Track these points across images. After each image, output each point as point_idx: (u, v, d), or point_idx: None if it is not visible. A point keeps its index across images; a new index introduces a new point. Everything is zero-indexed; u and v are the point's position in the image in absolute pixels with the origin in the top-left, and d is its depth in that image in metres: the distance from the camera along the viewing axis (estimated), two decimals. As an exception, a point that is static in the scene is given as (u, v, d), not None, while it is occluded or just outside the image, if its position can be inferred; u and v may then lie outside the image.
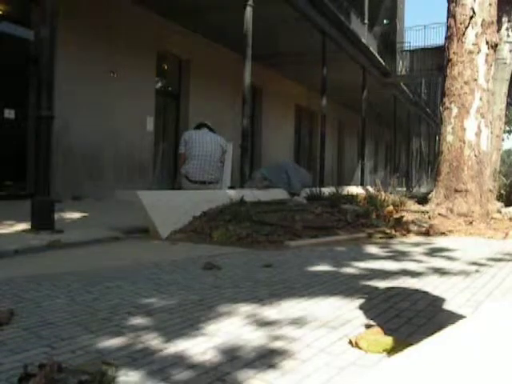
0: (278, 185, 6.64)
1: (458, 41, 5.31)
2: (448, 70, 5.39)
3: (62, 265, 2.91)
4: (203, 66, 11.02)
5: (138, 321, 1.69)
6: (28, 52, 7.43)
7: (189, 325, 1.64)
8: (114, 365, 1.27)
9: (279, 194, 6.32)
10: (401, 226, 4.54)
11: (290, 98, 15.53)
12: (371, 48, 14.17)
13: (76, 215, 5.45)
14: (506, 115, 8.39)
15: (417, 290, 2.18)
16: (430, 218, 4.89)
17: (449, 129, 5.30)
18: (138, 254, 3.40)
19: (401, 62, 18.67)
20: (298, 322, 1.68)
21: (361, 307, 1.88)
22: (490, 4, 5.35)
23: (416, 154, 25.26)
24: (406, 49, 19.56)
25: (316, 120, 16.03)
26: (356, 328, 1.61)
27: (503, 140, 11.28)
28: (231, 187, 7.37)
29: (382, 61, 15.21)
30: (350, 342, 1.45)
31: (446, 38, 5.56)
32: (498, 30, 6.19)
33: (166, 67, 10.93)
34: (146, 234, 4.16)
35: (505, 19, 7.28)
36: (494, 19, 5.42)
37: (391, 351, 1.37)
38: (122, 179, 8.67)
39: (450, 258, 3.10)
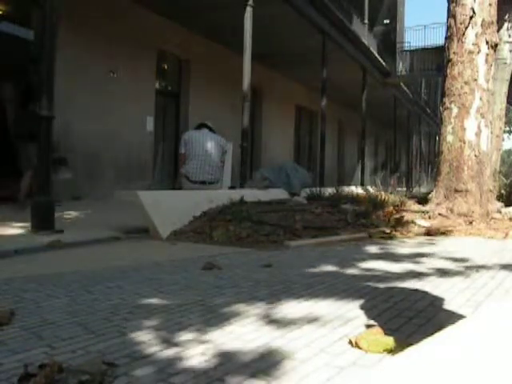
0: (278, 185, 6.65)
1: (458, 41, 5.31)
2: (448, 70, 5.38)
3: (62, 265, 2.91)
4: (203, 65, 11.02)
5: (138, 321, 1.69)
6: (28, 52, 7.43)
7: (189, 325, 1.64)
8: (114, 365, 1.27)
9: (279, 193, 6.32)
10: (401, 226, 4.54)
11: (290, 97, 15.53)
12: (371, 48, 14.18)
13: (76, 215, 5.45)
14: (505, 115, 8.39)
15: (417, 290, 2.18)
16: (430, 217, 4.89)
17: (449, 129, 5.30)
18: (138, 254, 3.40)
19: (401, 62, 18.67)
20: (297, 321, 1.68)
21: (361, 307, 1.88)
22: (490, 4, 5.34)
23: (416, 153, 25.27)
24: (405, 49, 19.56)
25: (316, 120, 16.03)
26: (356, 328, 1.61)
27: (503, 140, 11.28)
28: (231, 187, 7.38)
29: (382, 61, 15.22)
30: (350, 342, 1.45)
31: (446, 38, 5.56)
32: (498, 30, 6.18)
33: (165, 67, 10.93)
34: (146, 234, 4.16)
35: (505, 19, 7.28)
36: (494, 19, 5.41)
37: (391, 351, 1.37)
38: (121, 179, 8.67)
39: (449, 258, 3.10)
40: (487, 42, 5.26)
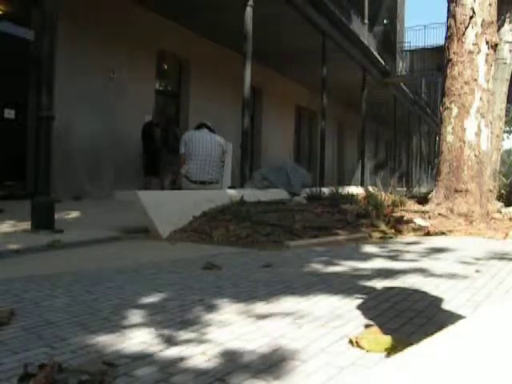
0: (278, 185, 6.64)
1: (458, 41, 5.31)
2: (448, 70, 5.38)
3: (62, 265, 2.91)
4: (203, 66, 11.02)
5: (138, 321, 1.69)
6: (28, 52, 7.43)
7: (189, 325, 1.64)
8: (114, 365, 1.27)
9: (279, 194, 6.32)
10: (401, 225, 4.54)
11: (290, 97, 15.53)
12: (371, 48, 14.17)
13: (76, 215, 5.45)
14: (505, 115, 8.39)
15: (417, 290, 2.18)
16: (430, 217, 4.89)
17: (449, 129, 5.30)
18: (138, 254, 3.40)
19: (401, 62, 18.68)
20: (297, 321, 1.68)
21: (361, 307, 1.88)
22: (490, 4, 5.34)
23: (416, 153, 25.26)
24: (405, 49, 19.57)
25: (316, 120, 16.03)
26: (356, 328, 1.61)
27: (503, 140, 11.28)
28: (231, 187, 7.37)
29: (382, 61, 15.21)
30: (351, 342, 1.45)
31: (446, 38, 5.56)
32: (498, 30, 6.18)
33: (165, 67, 10.93)
34: (146, 234, 4.16)
35: (505, 19, 7.28)
36: (494, 19, 5.41)
37: (392, 351, 1.37)
38: (121, 179, 8.66)
39: (449, 258, 3.10)
40: (487, 42, 5.26)
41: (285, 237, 3.96)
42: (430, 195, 5.50)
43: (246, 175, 7.39)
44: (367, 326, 1.61)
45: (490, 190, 5.35)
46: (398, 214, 4.91)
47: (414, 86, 19.89)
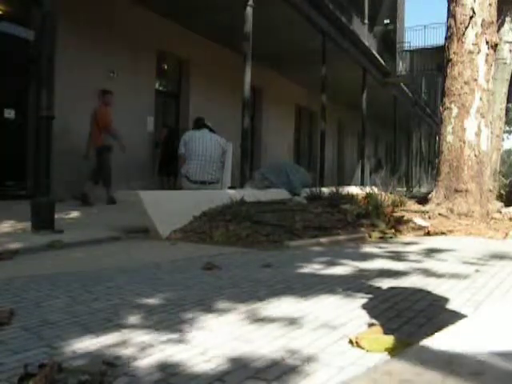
0: (278, 185, 6.64)
1: (458, 41, 5.31)
2: (448, 70, 5.38)
3: (62, 265, 2.91)
4: (203, 66, 11.02)
5: (138, 321, 1.69)
6: (28, 52, 7.43)
7: (189, 325, 1.64)
8: (114, 365, 1.27)
9: (279, 193, 6.32)
10: (401, 226, 4.54)
11: (290, 98, 15.53)
12: (371, 48, 14.18)
13: (76, 215, 5.45)
14: (505, 115, 8.39)
15: (417, 290, 2.18)
16: (430, 217, 4.89)
17: (449, 129, 5.30)
18: (138, 254, 3.40)
19: (401, 62, 18.69)
20: (297, 321, 1.68)
21: (361, 307, 1.88)
22: (490, 4, 5.34)
23: (416, 153, 25.26)
24: (405, 49, 19.58)
25: (316, 120, 16.03)
26: (356, 328, 1.61)
27: (503, 140, 11.29)
28: (231, 187, 7.38)
29: (382, 61, 15.21)
30: (351, 342, 1.45)
31: (446, 38, 5.56)
32: (498, 30, 6.19)
33: (165, 67, 10.93)
34: (146, 234, 4.16)
35: (505, 19, 7.28)
36: (494, 19, 5.41)
37: (392, 350, 1.37)
38: (121, 179, 8.66)
39: (450, 258, 3.10)
40: (487, 42, 5.26)
41: (285, 237, 3.96)
42: (429, 195, 5.50)
43: (246, 175, 7.39)
44: (367, 326, 1.61)
45: (490, 190, 5.36)
46: (398, 214, 4.91)
47: (414, 86, 19.90)
